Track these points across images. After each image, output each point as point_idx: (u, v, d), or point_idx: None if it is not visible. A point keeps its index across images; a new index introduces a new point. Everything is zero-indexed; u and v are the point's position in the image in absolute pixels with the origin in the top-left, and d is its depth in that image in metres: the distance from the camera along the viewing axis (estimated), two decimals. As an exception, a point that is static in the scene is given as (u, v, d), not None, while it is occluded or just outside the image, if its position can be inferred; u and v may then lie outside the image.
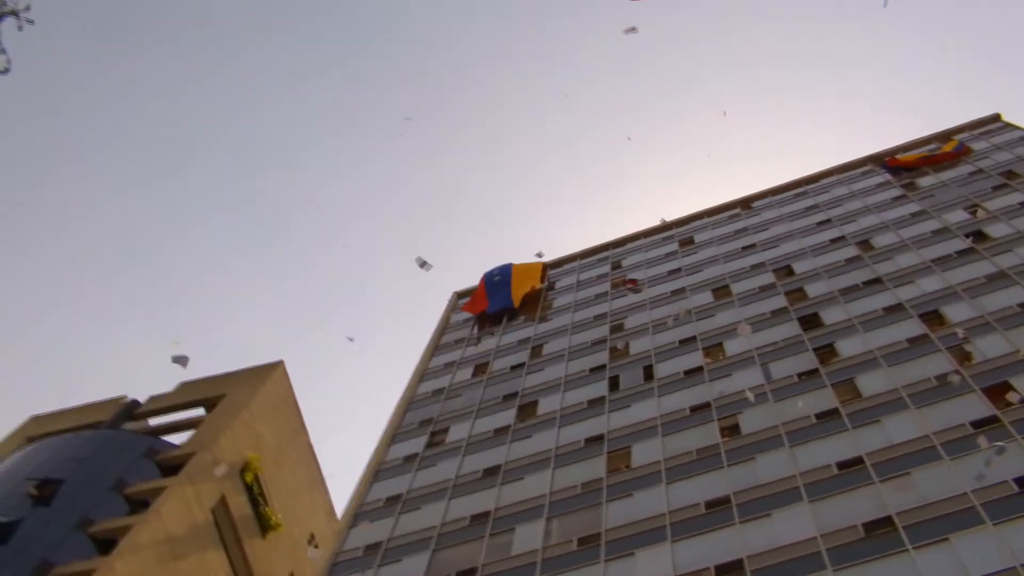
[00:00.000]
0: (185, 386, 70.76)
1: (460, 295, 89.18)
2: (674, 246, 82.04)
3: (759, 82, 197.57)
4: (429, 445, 60.19)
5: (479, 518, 49.23)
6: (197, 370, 71.17)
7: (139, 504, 56.31)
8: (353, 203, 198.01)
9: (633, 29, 58.22)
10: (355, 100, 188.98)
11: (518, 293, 79.37)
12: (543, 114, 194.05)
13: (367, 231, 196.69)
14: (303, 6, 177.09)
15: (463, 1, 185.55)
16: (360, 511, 55.10)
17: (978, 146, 78.66)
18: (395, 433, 63.54)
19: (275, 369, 73.51)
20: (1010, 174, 69.66)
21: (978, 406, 43.23)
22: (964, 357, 48.21)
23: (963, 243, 60.79)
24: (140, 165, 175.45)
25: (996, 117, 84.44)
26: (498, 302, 79.19)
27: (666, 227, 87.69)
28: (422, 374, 72.59)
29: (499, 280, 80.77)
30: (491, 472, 53.74)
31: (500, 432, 58.27)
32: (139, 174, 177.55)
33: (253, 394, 67.62)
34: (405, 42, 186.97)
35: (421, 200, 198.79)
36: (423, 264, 64.85)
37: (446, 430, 61.53)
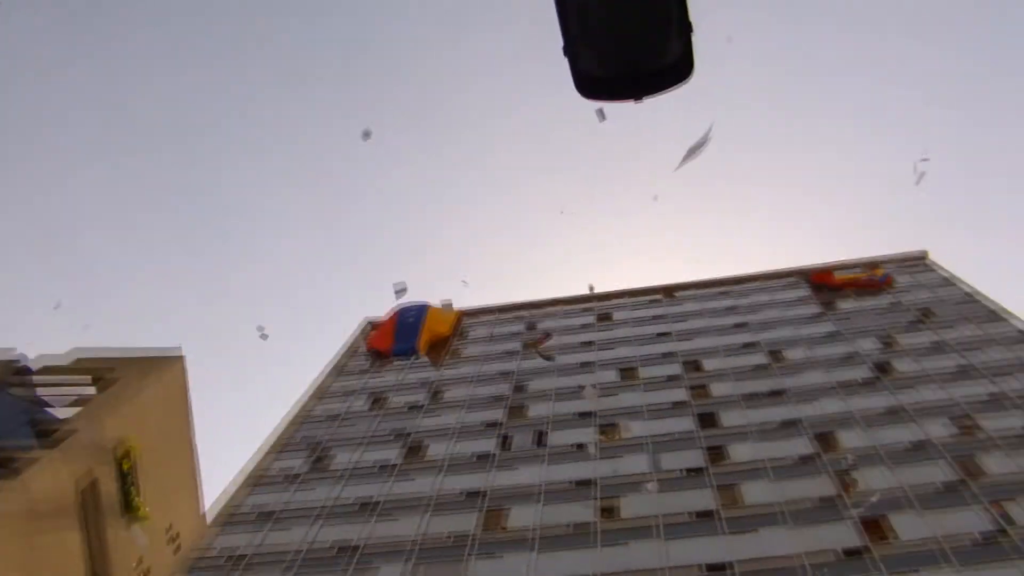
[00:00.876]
0: (79, 359, 69.60)
1: (372, 324, 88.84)
2: (591, 319, 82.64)
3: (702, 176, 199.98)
4: (312, 467, 59.98)
5: (345, 550, 49.13)
6: (99, 339, 69.95)
7: (9, 471, 55.29)
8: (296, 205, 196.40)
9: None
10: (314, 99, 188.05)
11: (426, 338, 79.18)
12: (495, 159, 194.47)
13: (304, 235, 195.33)
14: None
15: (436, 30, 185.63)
16: (230, 519, 54.76)
17: (902, 280, 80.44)
18: (281, 448, 63.23)
19: (175, 362, 72.68)
20: (926, 312, 71.36)
21: (851, 535, 44.10)
22: (848, 483, 49.13)
23: (869, 372, 62.07)
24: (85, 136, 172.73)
25: (923, 255, 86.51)
26: (402, 346, 78.75)
27: (586, 299, 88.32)
28: (320, 395, 72.34)
29: (412, 321, 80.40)
30: (367, 506, 53.68)
31: (384, 468, 58.25)
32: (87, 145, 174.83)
33: (147, 383, 66.75)
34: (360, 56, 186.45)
35: (364, 219, 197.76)
36: (399, 292, 63.81)
37: (331, 455, 61.37)
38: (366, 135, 57.29)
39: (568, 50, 6.13)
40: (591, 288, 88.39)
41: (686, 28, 6.04)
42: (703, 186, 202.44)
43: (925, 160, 50.49)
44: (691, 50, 6.12)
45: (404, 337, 77.91)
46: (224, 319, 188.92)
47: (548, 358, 73.47)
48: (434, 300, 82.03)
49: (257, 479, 59.00)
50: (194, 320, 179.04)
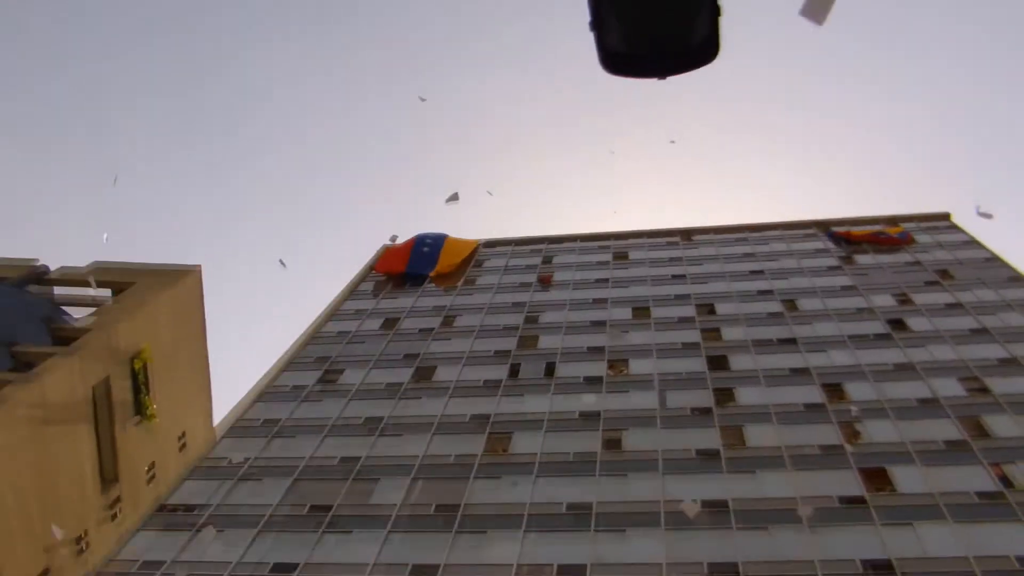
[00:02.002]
0: (98, 267, 69.99)
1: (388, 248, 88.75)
2: (608, 256, 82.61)
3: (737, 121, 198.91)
4: (320, 381, 60.40)
5: (348, 461, 49.56)
6: (119, 254, 70.21)
7: (25, 366, 55.77)
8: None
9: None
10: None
11: (443, 265, 79.41)
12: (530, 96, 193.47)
13: (335, 163, 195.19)
14: None
15: None
16: (237, 425, 55.37)
17: (923, 239, 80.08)
18: (291, 361, 63.68)
19: (190, 273, 72.93)
20: (944, 274, 71.08)
21: (852, 484, 44.25)
22: (853, 434, 49.24)
23: (883, 327, 61.99)
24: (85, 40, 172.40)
25: (946, 216, 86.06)
26: (418, 266, 79.01)
27: (604, 236, 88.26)
28: (332, 313, 72.68)
29: (428, 248, 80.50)
30: (373, 422, 54.07)
31: (392, 387, 58.60)
32: (96, 47, 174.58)
33: (163, 291, 67.11)
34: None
35: (389, 148, 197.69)
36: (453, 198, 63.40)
37: (341, 372, 61.80)
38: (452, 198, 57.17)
39: (595, 25, 6.13)
40: (614, 212, 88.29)
41: (715, 11, 6.05)
42: (729, 133, 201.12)
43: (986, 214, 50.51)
44: (718, 33, 6.12)
45: (419, 259, 78.18)
46: (249, 243, 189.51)
47: (545, 285, 74.32)
48: (457, 232, 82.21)
49: (267, 391, 59.47)
50: (220, 243, 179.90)
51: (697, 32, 6.11)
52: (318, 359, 63.78)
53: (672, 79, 6.32)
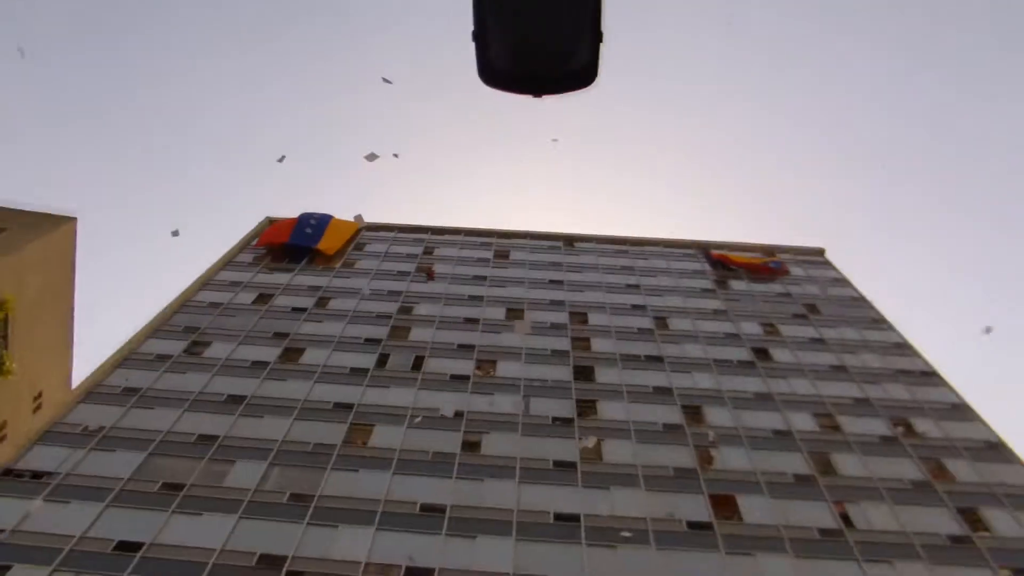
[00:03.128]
0: (-33, 207, 68.04)
1: (271, 220, 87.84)
2: (489, 254, 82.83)
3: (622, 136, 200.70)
4: (186, 351, 59.57)
5: (206, 439, 49.03)
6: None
7: None
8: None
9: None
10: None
11: (326, 245, 79.14)
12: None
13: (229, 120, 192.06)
14: None
15: None
16: (94, 390, 54.19)
17: (796, 271, 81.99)
18: (157, 328, 62.56)
19: (65, 223, 71.23)
20: (812, 309, 72.94)
21: (701, 508, 45.27)
22: (707, 459, 50.30)
23: (747, 355, 63.35)
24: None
25: (820, 251, 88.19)
26: (301, 239, 78.71)
27: (487, 233, 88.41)
28: (205, 281, 71.53)
29: (312, 229, 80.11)
30: (235, 400, 53.53)
31: (258, 365, 58.06)
32: None
33: (33, 239, 65.52)
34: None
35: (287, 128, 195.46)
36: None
37: (208, 344, 60.97)
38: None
39: (477, 36, 6.13)
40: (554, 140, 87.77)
41: (597, 37, 6.10)
42: (620, 145, 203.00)
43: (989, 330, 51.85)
44: (598, 58, 6.16)
45: (301, 236, 77.81)
46: (128, 198, 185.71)
47: (426, 275, 74.37)
48: (342, 215, 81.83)
49: (129, 357, 58.35)
50: (97, 194, 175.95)
51: (578, 56, 6.16)
52: (186, 328, 62.77)
53: (547, 98, 6.31)
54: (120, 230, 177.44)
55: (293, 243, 78.54)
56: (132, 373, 56.17)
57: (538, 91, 6.29)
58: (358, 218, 72.65)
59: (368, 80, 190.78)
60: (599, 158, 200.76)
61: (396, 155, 78.69)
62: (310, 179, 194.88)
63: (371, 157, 54.11)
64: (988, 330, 50.27)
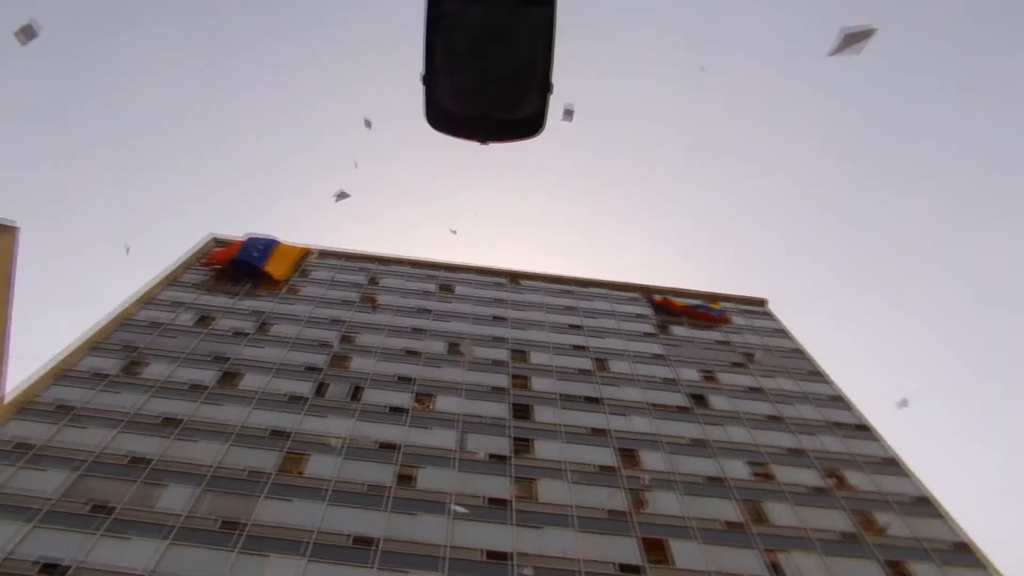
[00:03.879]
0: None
1: (217, 240, 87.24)
2: (434, 287, 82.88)
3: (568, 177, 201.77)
4: (123, 370, 58.98)
5: (138, 461, 48.58)
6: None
7: None
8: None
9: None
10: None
11: (273, 269, 79.01)
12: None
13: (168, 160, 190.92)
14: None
15: None
16: (27, 406, 53.47)
17: (737, 320, 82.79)
18: (94, 345, 61.92)
19: (5, 232, 70.34)
20: (750, 358, 73.67)
21: (632, 551, 45.53)
22: (639, 502, 50.56)
23: (685, 400, 63.82)
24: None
25: (762, 301, 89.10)
26: (248, 258, 78.50)
27: (433, 266, 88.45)
28: (147, 300, 70.87)
29: (259, 253, 79.86)
30: (170, 422, 53.11)
31: (196, 388, 57.64)
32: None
33: (-28, 247, 64.56)
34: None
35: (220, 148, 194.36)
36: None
37: (146, 364, 60.40)
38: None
39: (427, 79, 6.23)
40: (453, 231, 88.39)
41: (546, 88, 6.24)
42: (568, 187, 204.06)
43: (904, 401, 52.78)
44: (545, 109, 6.30)
45: (248, 255, 77.59)
46: (71, 212, 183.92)
47: (371, 305, 74.40)
48: (287, 237, 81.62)
49: (65, 373, 57.72)
50: (39, 204, 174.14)
51: (526, 106, 6.29)
52: (124, 347, 62.19)
53: (492, 144, 6.44)
54: (61, 239, 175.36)
55: (241, 259, 78.32)
56: (67, 389, 55.57)
57: (484, 138, 6.39)
58: (306, 248, 72.42)
59: (321, 101, 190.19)
60: (546, 195, 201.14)
61: (356, 164, 78.59)
62: (256, 197, 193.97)
63: (341, 196, 53.68)
64: (903, 403, 50.92)
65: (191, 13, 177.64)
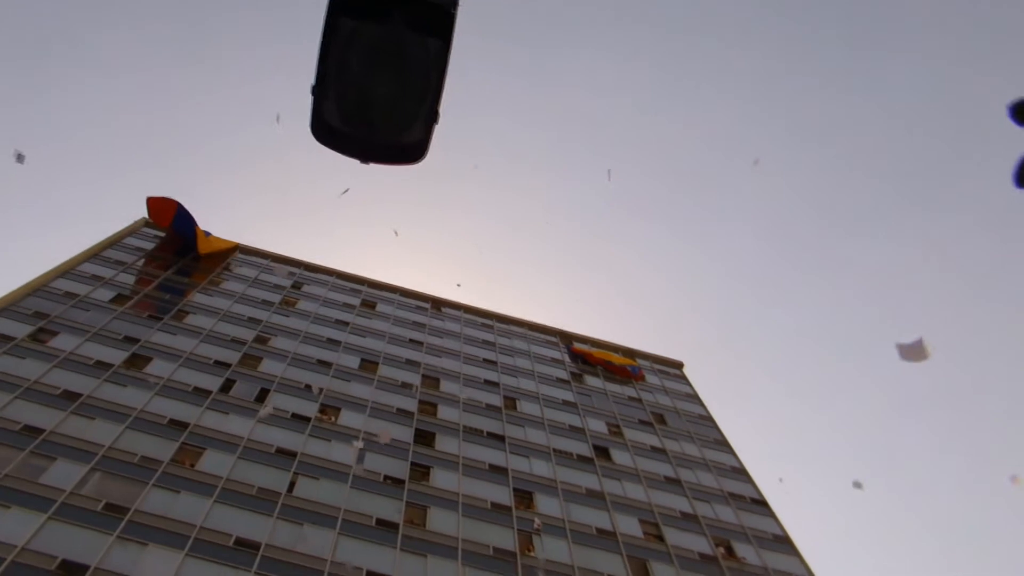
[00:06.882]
0: None
1: (148, 222, 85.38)
2: (356, 300, 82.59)
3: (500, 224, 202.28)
4: (30, 337, 57.81)
5: (31, 431, 47.57)
6: None
7: None
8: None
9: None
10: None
11: (202, 248, 78.86)
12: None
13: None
14: None
15: None
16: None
17: (651, 379, 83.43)
18: (4, 307, 60.68)
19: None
20: (659, 418, 74.48)
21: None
22: (528, 545, 50.58)
23: (587, 451, 64.05)
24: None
25: (679, 364, 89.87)
26: (181, 230, 78.95)
27: (358, 280, 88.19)
28: (66, 270, 69.55)
29: (189, 229, 79.61)
30: (70, 396, 52.15)
31: (101, 365, 56.71)
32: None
33: None
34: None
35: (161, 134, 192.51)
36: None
37: (55, 333, 59.29)
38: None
39: (316, 91, 6.20)
40: (458, 285, 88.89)
41: (432, 117, 6.27)
42: (501, 226, 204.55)
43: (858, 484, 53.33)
44: (430, 138, 6.32)
45: (183, 226, 77.81)
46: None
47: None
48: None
49: (-31, 330, 56.60)
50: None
51: (411, 133, 6.29)
52: (35, 313, 60.91)
53: (373, 166, 6.40)
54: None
55: (176, 228, 78.38)
56: (-31, 349, 54.50)
57: (364, 157, 6.38)
58: (234, 243, 71.93)
59: (265, 94, 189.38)
60: (478, 225, 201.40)
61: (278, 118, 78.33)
62: (189, 189, 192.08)
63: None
64: (857, 484, 51.47)
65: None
